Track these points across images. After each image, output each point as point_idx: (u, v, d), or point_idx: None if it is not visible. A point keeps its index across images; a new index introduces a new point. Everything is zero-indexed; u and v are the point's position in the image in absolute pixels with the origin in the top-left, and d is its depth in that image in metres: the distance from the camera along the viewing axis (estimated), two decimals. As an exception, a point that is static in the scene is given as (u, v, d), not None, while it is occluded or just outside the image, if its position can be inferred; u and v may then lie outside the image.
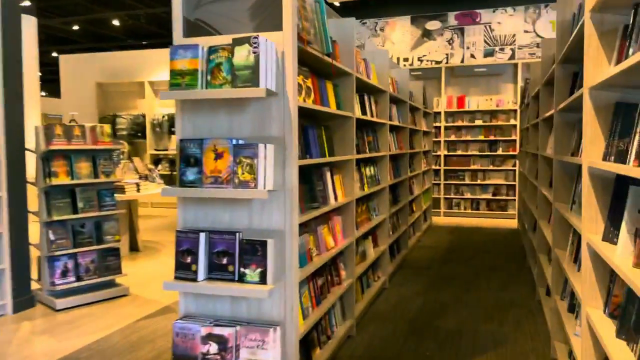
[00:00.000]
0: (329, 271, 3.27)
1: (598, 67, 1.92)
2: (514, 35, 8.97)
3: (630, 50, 1.60)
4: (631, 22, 1.64)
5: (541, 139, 4.23)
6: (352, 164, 3.52)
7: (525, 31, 8.92)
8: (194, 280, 2.30)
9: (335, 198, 3.27)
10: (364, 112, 4.09)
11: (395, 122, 5.16)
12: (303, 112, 2.81)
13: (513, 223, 8.45)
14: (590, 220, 1.96)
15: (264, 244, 2.27)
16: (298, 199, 2.42)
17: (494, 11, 9.06)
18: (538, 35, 8.85)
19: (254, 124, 2.36)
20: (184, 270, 2.33)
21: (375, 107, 4.50)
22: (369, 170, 4.30)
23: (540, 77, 4.87)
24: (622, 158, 1.76)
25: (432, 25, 9.44)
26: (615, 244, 1.79)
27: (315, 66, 2.99)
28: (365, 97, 4.16)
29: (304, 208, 2.75)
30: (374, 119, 4.19)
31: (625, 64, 1.50)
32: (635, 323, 1.59)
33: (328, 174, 3.18)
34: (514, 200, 8.91)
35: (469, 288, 4.66)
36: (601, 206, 1.94)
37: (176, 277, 2.34)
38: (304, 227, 2.84)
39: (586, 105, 1.96)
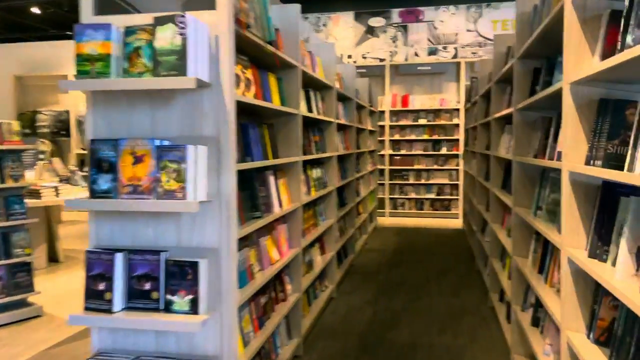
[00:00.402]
0: (273, 287, 2.92)
1: (580, 59, 1.69)
2: (456, 34, 8.95)
3: (629, 38, 1.36)
4: (627, 5, 1.41)
5: (493, 138, 4.07)
6: (299, 166, 3.19)
7: (468, 30, 8.92)
8: (109, 311, 1.88)
9: (280, 205, 2.92)
10: (310, 110, 3.76)
11: (342, 121, 4.88)
12: (242, 108, 2.44)
13: (457, 223, 8.41)
14: (571, 233, 1.72)
15: (195, 265, 1.89)
16: (237, 210, 2.05)
17: (436, 9, 9.00)
18: (480, 35, 8.87)
19: (182, 121, 1.97)
20: (96, 299, 1.91)
21: (321, 105, 4.19)
22: (315, 173, 3.98)
23: (491, 74, 4.73)
24: (613, 162, 1.53)
25: (376, 21, 9.26)
26: (605, 261, 1.55)
27: (255, 55, 2.63)
28: (311, 93, 3.84)
29: (244, 219, 2.38)
30: (321, 117, 3.88)
31: (622, 57, 1.25)
32: (636, 356, 1.35)
33: (272, 179, 2.83)
34: (457, 199, 8.89)
35: (420, 294, 4.45)
36: (583, 217, 1.71)
37: (86, 308, 1.91)
38: (245, 241, 2.47)
39: (566, 102, 1.72)
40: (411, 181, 9.07)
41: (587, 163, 1.67)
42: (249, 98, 2.27)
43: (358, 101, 5.95)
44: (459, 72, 8.92)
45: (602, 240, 1.57)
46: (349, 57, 9.30)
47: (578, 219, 1.71)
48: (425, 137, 9.00)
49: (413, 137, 9.04)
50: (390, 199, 9.17)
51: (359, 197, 6.14)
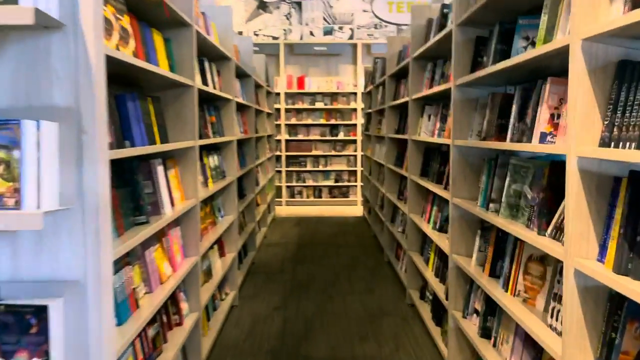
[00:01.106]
0: (165, 310, 2.25)
1: (595, 8, 1.26)
2: (352, 14, 8.62)
3: None
4: None
5: (411, 121, 3.71)
6: (195, 153, 2.52)
7: (364, 10, 8.63)
8: None
9: (172, 204, 2.24)
10: (205, 83, 3.08)
11: (241, 100, 4.23)
12: (115, 73, 1.73)
13: (357, 210, 8.16)
14: (580, 239, 1.31)
15: (42, 311, 1.20)
16: (111, 216, 1.38)
17: (332, -13, 8.58)
18: (376, 16, 8.63)
19: (15, 82, 1.24)
20: None
21: (218, 79, 3.51)
22: (213, 161, 3.32)
23: (401, 53, 4.37)
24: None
25: (269, -3, 8.61)
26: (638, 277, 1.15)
27: (135, 3, 1.92)
28: (206, 64, 3.16)
29: (123, 227, 1.70)
30: (219, 93, 3.21)
31: None
32: None
33: (160, 170, 2.14)
34: (356, 186, 8.65)
35: (331, 294, 4.00)
36: (594, 217, 1.31)
37: None
38: (125, 257, 1.79)
39: (576, 65, 1.29)
40: (309, 168, 8.64)
41: (604, 145, 1.26)
42: (127, 55, 1.58)
43: (256, 79, 5.32)
44: (356, 54, 8.62)
45: (634, 250, 1.16)
46: (240, 33, 8.56)
47: (588, 220, 1.30)
48: (323, 121, 8.61)
49: (310, 121, 8.60)
50: (287, 187, 8.67)
51: (259, 186, 5.54)
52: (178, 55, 2.45)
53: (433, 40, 2.93)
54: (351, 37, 8.63)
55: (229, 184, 3.69)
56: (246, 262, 4.61)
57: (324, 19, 8.62)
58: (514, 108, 1.89)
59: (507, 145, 1.86)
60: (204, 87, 2.78)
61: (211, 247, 3.29)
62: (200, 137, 2.83)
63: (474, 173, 2.49)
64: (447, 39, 2.74)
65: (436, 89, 2.87)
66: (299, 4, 8.59)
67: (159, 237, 2.18)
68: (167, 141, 2.21)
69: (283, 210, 8.21)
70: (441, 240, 2.85)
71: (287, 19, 8.62)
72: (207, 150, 3.24)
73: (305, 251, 5.41)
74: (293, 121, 8.58)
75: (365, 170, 7.30)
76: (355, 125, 8.62)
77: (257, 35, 8.60)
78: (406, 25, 8.45)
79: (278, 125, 8.57)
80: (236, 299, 3.78)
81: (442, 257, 3.03)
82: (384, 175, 5.39)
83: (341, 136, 8.61)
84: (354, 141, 8.68)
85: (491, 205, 2.11)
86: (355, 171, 8.65)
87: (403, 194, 4.38)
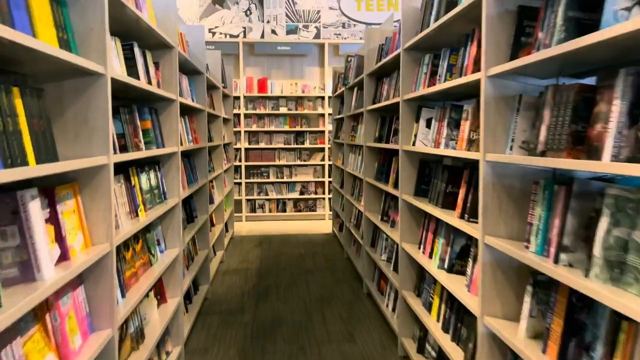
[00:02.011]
0: None
1: None
2: (318, 12, 7.90)
3: None
4: None
5: (404, 127, 2.97)
6: (107, 174, 1.69)
7: (330, 8, 7.92)
8: None
9: (66, 256, 1.41)
10: (133, 73, 2.25)
11: (188, 101, 3.40)
12: None
13: (326, 226, 7.39)
14: None
15: None
16: None
17: (296, -18, 7.84)
18: (344, 14, 7.93)
19: None
20: None
21: (155, 72, 2.68)
22: (147, 180, 2.48)
23: (382, 46, 3.65)
24: None
25: (227, -10, 7.79)
26: None
27: None
28: (137, 50, 2.33)
29: None
30: (155, 90, 2.38)
31: None
32: None
33: (34, 208, 1.31)
34: (324, 198, 7.89)
35: (303, 343, 3.21)
36: None
37: None
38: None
39: None
40: (272, 179, 7.83)
41: None
42: None
43: (210, 78, 4.49)
44: (323, 55, 7.89)
45: None
46: (194, 30, 7.68)
47: None
48: (287, 128, 7.82)
49: (273, 128, 7.80)
50: (248, 200, 7.83)
51: (214, 204, 4.70)
52: (80, 27, 1.62)
53: (443, 19, 2.19)
54: (317, 37, 7.89)
55: (172, 208, 2.85)
56: (197, 300, 3.76)
57: (287, 16, 7.86)
58: (617, 107, 1.16)
59: (606, 166, 1.14)
60: (128, 80, 1.95)
61: (146, 295, 2.45)
62: (122, 149, 2.00)
63: (515, 201, 1.76)
64: (464, 16, 2.02)
65: (453, 82, 2.13)
66: (260, 0, 7.80)
67: (38, 314, 1.35)
68: (53, 158, 1.38)
69: (243, 226, 7.36)
70: (456, 286, 2.11)
71: (247, 15, 7.81)
72: (138, 166, 2.40)
73: (269, 280, 4.60)
74: (254, 128, 7.77)
75: (335, 182, 6.56)
76: (323, 132, 7.87)
77: (213, 33, 7.75)
78: (376, 24, 7.79)
79: (237, 133, 7.73)
80: (181, 357, 2.93)
81: (455, 306, 2.29)
82: (361, 190, 4.65)
83: (307, 144, 7.85)
84: (322, 149, 7.94)
85: (563, 256, 1.38)
86: (323, 182, 7.90)
87: (388, 215, 3.64)
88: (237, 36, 7.77)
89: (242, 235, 6.69)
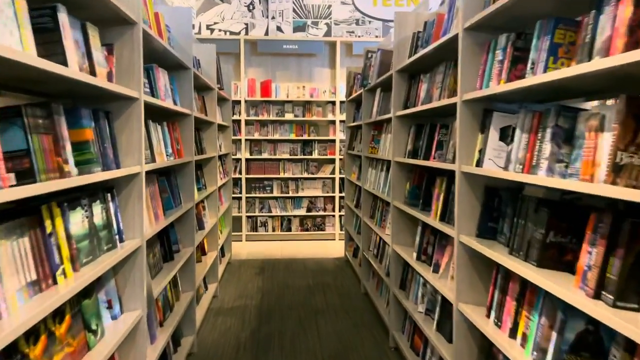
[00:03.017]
0: None
1: None
2: (329, 7, 7.07)
3: None
4: None
5: (462, 140, 2.11)
6: None
7: (343, 3, 7.08)
8: None
9: None
10: (53, 53, 1.40)
11: (167, 103, 2.55)
12: None
13: (336, 248, 6.51)
14: None
15: None
16: None
17: (305, -27, 7.02)
18: (357, 9, 7.10)
19: None
20: None
21: (104, 56, 1.83)
22: (84, 220, 1.62)
23: (419, 34, 2.79)
24: None
25: (227, -18, 6.97)
26: None
27: None
28: (65, 19, 1.48)
29: None
30: (97, 82, 1.53)
31: None
32: None
33: None
34: (333, 216, 7.01)
35: None
36: None
37: None
38: None
39: None
40: (275, 193, 6.96)
41: None
42: None
43: (200, 76, 3.64)
44: (334, 55, 7.05)
45: None
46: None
47: None
48: (293, 136, 6.97)
49: (277, 136, 6.95)
50: (248, 217, 6.96)
51: (204, 231, 3.84)
52: None
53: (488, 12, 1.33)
54: (328, 34, 7.06)
55: (132, 254, 1.99)
56: (177, 359, 2.89)
57: (295, 11, 7.03)
58: None
59: None
60: (16, 56, 1.10)
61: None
62: (25, 177, 1.15)
63: None
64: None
65: (576, 70, 1.27)
66: (264, -7, 6.99)
67: None
68: None
69: (243, 248, 6.48)
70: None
71: (249, 10, 6.99)
72: (68, 201, 1.55)
73: (271, 324, 3.72)
74: (256, 136, 6.92)
75: (348, 199, 5.69)
76: (333, 141, 7.01)
77: (211, 30, 6.93)
78: (393, 21, 6.93)
79: (237, 141, 6.88)
80: None
81: None
82: (384, 214, 3.79)
83: (316, 155, 6.99)
84: (332, 161, 7.07)
85: None
86: (332, 198, 7.03)
87: (428, 255, 2.77)
88: (238, 33, 6.94)
89: (241, 260, 5.81)
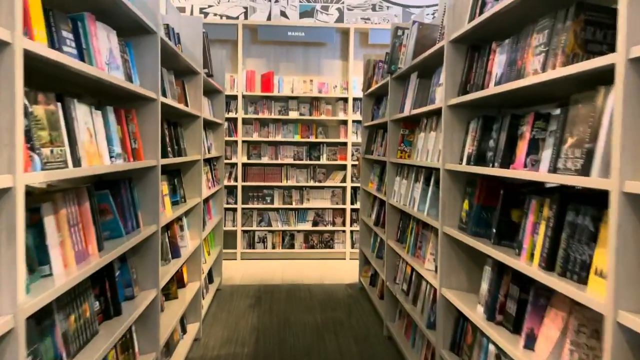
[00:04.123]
0: None
1: None
2: (342, -10, 6.13)
3: None
4: None
5: (626, 137, 1.14)
6: None
7: (358, -15, 6.14)
8: None
9: None
10: None
11: (103, 72, 1.58)
12: None
13: (348, 270, 5.53)
14: None
15: None
16: None
17: (314, -50, 6.09)
18: (374, -6, 6.15)
19: None
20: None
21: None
22: None
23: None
24: None
25: (223, -42, 6.04)
26: None
27: None
28: None
29: None
30: None
31: None
32: None
33: None
34: (344, 231, 6.04)
35: None
36: None
37: None
38: None
39: None
40: (277, 204, 5.99)
41: None
42: None
43: (175, 50, 2.68)
44: (347, 44, 6.10)
45: None
46: (182, 10, 5.93)
47: None
48: (298, 138, 6.00)
49: (279, 138, 5.98)
50: (245, 232, 5.99)
51: (179, 259, 2.87)
52: None
53: None
54: (340, 20, 6.11)
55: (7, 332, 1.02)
56: None
57: (302, -6, 6.09)
58: None
59: None
60: None
61: None
62: None
63: None
64: None
65: None
66: (267, -27, 6.05)
67: None
68: None
69: (237, 269, 5.51)
70: None
71: (249, -8, 6.05)
72: None
73: (267, 390, 2.75)
74: (255, 137, 5.96)
75: (364, 214, 4.71)
76: (344, 144, 6.05)
77: (205, 14, 5.98)
78: (416, 7, 6.00)
79: (232, 143, 5.92)
80: None
81: None
82: (419, 239, 2.82)
83: (324, 160, 6.02)
84: (343, 167, 6.11)
85: None
86: (343, 210, 6.05)
87: (506, 314, 1.79)
88: (236, 18, 6.00)
89: (234, 285, 4.83)
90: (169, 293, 3.04)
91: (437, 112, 2.61)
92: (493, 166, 1.91)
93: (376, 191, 4.14)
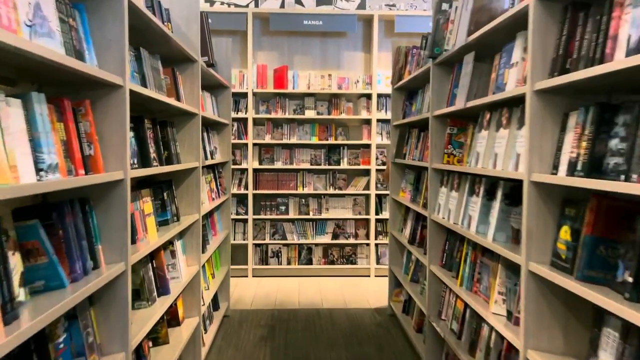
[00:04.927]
0: None
1: None
2: (363, -26, 5.46)
3: None
4: None
5: None
6: None
7: (382, -32, 5.47)
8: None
9: None
10: None
11: (17, 38, 0.94)
12: None
13: (374, 290, 4.85)
14: None
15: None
16: None
17: None
18: (400, -23, 5.48)
19: None
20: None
21: None
22: None
23: None
24: None
25: (231, -60, 5.42)
26: None
27: None
28: None
29: None
30: None
31: None
32: None
33: None
34: (368, 244, 5.36)
35: None
36: None
37: None
38: None
39: None
40: (292, 215, 5.34)
41: None
42: None
43: (167, 32, 2.03)
44: (370, 34, 5.43)
45: None
46: (185, -1, 5.30)
47: None
48: (315, 140, 5.35)
49: (295, 140, 5.33)
50: (256, 246, 5.34)
51: (167, 297, 2.22)
52: None
53: None
54: (362, 7, 5.44)
55: None
56: None
57: (319, -21, 5.44)
58: None
59: None
60: None
61: None
62: None
63: None
64: None
65: None
66: (279, -43, 5.41)
67: None
68: None
69: (248, 288, 4.86)
70: None
71: (260, -22, 5.42)
72: None
73: None
74: (267, 140, 5.31)
75: (393, 227, 4.03)
76: (368, 146, 5.37)
77: (211, 2, 5.37)
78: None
79: (243, 146, 5.29)
80: None
81: None
82: (480, 272, 2.14)
83: (345, 164, 5.36)
84: (366, 172, 5.44)
85: None
86: (366, 221, 5.37)
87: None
88: (246, 6, 5.37)
89: (244, 311, 4.18)
90: (156, 337, 2.40)
91: (508, 103, 1.93)
92: (620, 179, 1.23)
93: (411, 202, 3.47)
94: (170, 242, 2.46)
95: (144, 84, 1.98)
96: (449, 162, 2.63)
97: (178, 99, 2.51)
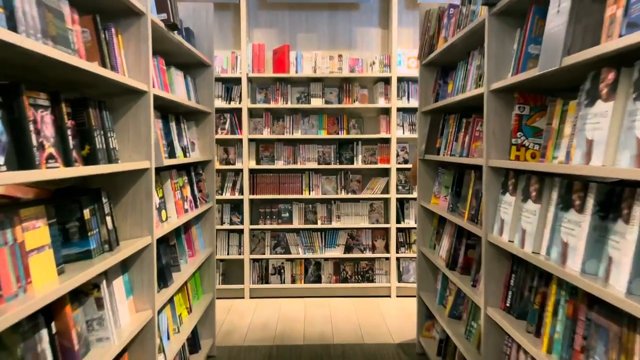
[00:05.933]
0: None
1: None
2: (378, -64, 4.57)
3: None
4: None
5: None
6: None
7: None
8: None
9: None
10: None
11: None
12: None
13: (396, 316, 3.97)
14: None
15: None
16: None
17: None
18: (423, -62, 4.57)
19: None
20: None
21: None
22: None
23: None
24: None
25: None
26: None
27: None
28: None
29: None
30: None
31: None
32: None
33: None
34: (388, 259, 4.47)
35: None
36: None
37: None
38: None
39: None
40: (296, 224, 4.47)
41: None
42: None
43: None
44: (388, 6, 4.55)
45: None
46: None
47: None
48: (323, 134, 4.47)
49: (299, 134, 4.46)
50: (254, 261, 4.49)
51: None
52: None
53: None
54: (377, -26, 4.56)
55: None
56: None
57: (325, -57, 4.56)
58: None
59: None
60: None
61: None
62: None
63: None
64: None
65: None
66: None
67: None
68: None
69: (243, 313, 4.01)
70: None
71: (256, -58, 4.55)
72: None
73: None
74: (266, 134, 4.45)
75: (422, 242, 3.15)
76: (387, 141, 4.49)
77: (198, -28, 4.51)
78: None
79: (237, 142, 4.43)
80: None
81: None
82: (584, 331, 1.23)
83: (359, 163, 4.47)
84: (384, 172, 4.56)
85: None
86: (386, 230, 4.49)
87: None
88: (239, -23, 4.52)
89: (234, 348, 3.33)
90: None
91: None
92: None
93: (449, 212, 2.58)
94: (95, 286, 1.61)
95: (11, 25, 1.13)
96: (519, 157, 1.75)
97: (104, 64, 1.65)
